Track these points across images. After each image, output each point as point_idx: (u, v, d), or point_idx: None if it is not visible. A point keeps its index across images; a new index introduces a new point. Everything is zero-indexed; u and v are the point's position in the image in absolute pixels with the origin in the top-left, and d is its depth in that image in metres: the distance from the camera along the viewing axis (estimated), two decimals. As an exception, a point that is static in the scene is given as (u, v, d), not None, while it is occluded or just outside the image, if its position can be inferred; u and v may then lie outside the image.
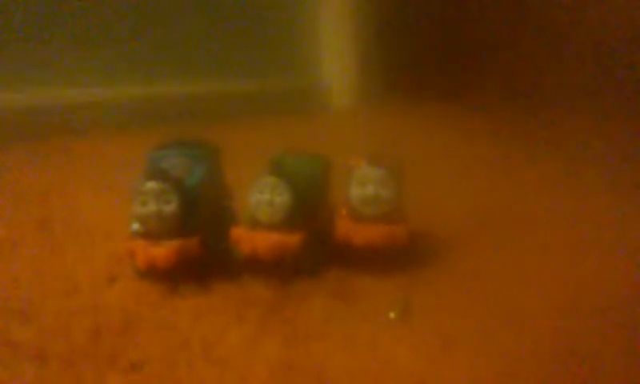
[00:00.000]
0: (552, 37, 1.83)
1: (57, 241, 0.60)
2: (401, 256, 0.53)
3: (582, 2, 1.76)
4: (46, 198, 0.76)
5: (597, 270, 0.56)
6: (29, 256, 0.57)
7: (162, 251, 0.47)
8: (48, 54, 1.22)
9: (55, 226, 0.65)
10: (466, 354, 0.40)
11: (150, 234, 0.48)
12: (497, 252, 0.61)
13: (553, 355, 0.40)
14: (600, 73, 1.72)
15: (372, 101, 1.89)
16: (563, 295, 0.50)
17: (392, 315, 0.45)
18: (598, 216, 0.73)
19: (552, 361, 0.40)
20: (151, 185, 0.48)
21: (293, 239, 0.49)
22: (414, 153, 1.02)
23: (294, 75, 1.86)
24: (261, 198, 0.49)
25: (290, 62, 1.85)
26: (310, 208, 0.52)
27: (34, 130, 1.11)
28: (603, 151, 1.16)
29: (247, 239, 0.50)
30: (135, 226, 0.49)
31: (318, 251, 0.53)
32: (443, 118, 1.66)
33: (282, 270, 0.51)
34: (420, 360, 0.39)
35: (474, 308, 0.47)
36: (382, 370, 0.38)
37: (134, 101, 1.35)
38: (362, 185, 0.50)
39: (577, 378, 0.38)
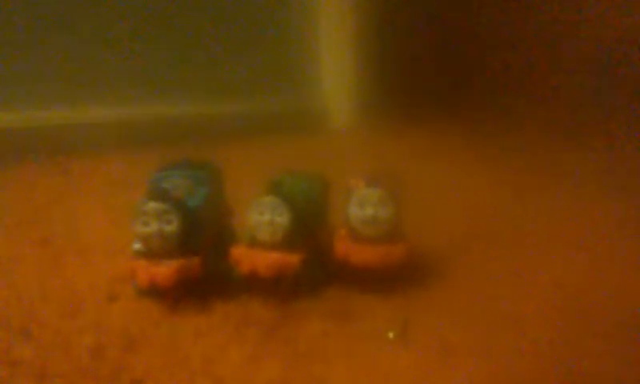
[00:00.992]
0: (551, 43, 1.84)
1: (58, 259, 0.61)
2: (400, 275, 0.53)
3: (579, 5, 1.77)
4: (47, 217, 0.76)
5: (594, 273, 0.57)
6: (30, 274, 0.57)
7: (163, 270, 0.48)
8: (49, 73, 1.23)
9: (57, 244, 0.66)
10: (465, 369, 0.40)
11: (151, 254, 0.49)
12: (495, 263, 0.61)
13: (552, 360, 0.41)
14: (599, 76, 1.73)
15: (370, 120, 1.90)
16: (561, 301, 0.50)
17: (391, 335, 0.45)
18: (595, 221, 0.74)
19: (551, 365, 0.40)
20: (153, 205, 0.48)
21: (292, 259, 0.49)
22: (411, 170, 1.03)
23: (294, 96, 1.88)
24: (261, 218, 0.50)
25: (290, 83, 1.86)
26: (309, 228, 0.52)
27: (35, 150, 1.12)
28: (601, 156, 1.17)
29: (247, 258, 0.50)
30: (137, 246, 0.50)
31: (317, 271, 0.53)
32: (441, 135, 1.67)
33: (281, 289, 0.51)
34: (419, 378, 0.39)
35: (473, 322, 0.48)
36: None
37: (135, 121, 1.36)
38: (361, 205, 0.51)
39: (576, 379, 0.39)
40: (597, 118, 1.56)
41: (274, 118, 1.74)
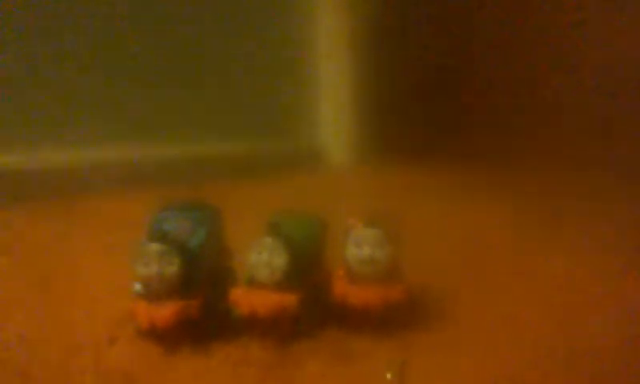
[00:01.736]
0: (554, 76, 1.86)
1: (58, 300, 0.61)
2: (398, 316, 0.53)
3: (583, 33, 1.79)
4: (48, 258, 0.77)
5: (595, 317, 0.57)
6: (30, 315, 0.57)
7: (163, 312, 0.48)
8: (50, 114, 1.25)
9: (57, 285, 0.66)
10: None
11: (151, 295, 0.49)
12: (494, 308, 0.61)
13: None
14: (600, 123, 1.74)
15: (368, 158, 1.92)
16: (561, 350, 0.51)
17: (389, 376, 0.45)
18: (590, 270, 0.75)
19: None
20: (153, 246, 0.49)
21: (290, 299, 0.50)
22: (409, 210, 1.04)
23: (292, 135, 1.90)
24: (259, 258, 0.50)
25: (288, 123, 1.89)
26: (307, 268, 0.53)
27: (37, 190, 1.13)
28: (598, 205, 1.17)
29: (246, 299, 0.50)
30: (137, 287, 0.50)
31: (315, 311, 0.53)
32: (439, 176, 1.69)
33: (280, 329, 0.51)
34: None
35: (471, 367, 0.48)
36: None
37: (134, 162, 1.37)
38: (358, 246, 0.52)
39: None
40: (599, 153, 1.57)
41: (272, 157, 1.76)
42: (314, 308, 0.53)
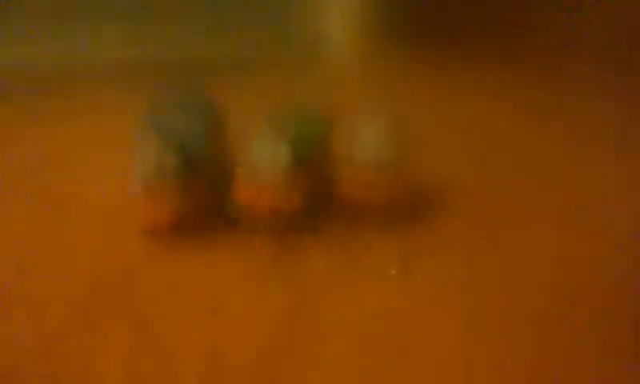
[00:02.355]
0: None
1: (57, 199, 0.60)
2: (402, 211, 0.53)
3: None
4: (45, 156, 0.75)
5: (594, 227, 0.56)
6: (31, 214, 0.57)
7: (165, 207, 0.48)
8: (44, 11, 1.20)
9: (55, 184, 0.65)
10: (463, 307, 0.41)
11: (152, 191, 0.48)
12: (497, 203, 0.61)
13: (548, 304, 0.41)
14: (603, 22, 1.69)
15: (373, 52, 1.87)
16: (562, 250, 0.50)
17: (393, 271, 0.45)
18: (600, 178, 0.73)
19: (545, 311, 0.41)
20: (153, 141, 0.48)
21: (292, 195, 0.49)
22: (415, 104, 1.02)
23: (294, 29, 1.84)
24: (262, 156, 0.49)
25: (289, 15, 1.82)
26: (310, 163, 0.52)
27: (31, 88, 1.10)
28: (608, 109, 1.15)
29: (247, 194, 0.50)
30: (138, 182, 0.49)
31: (318, 208, 0.53)
32: (445, 69, 1.64)
33: (283, 226, 0.51)
34: (421, 311, 0.40)
35: (473, 260, 0.48)
36: (385, 321, 0.39)
37: (131, 60, 1.33)
38: (363, 141, 0.50)
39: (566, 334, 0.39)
40: (601, 69, 1.52)
41: (274, 52, 1.71)
42: (318, 204, 0.52)
